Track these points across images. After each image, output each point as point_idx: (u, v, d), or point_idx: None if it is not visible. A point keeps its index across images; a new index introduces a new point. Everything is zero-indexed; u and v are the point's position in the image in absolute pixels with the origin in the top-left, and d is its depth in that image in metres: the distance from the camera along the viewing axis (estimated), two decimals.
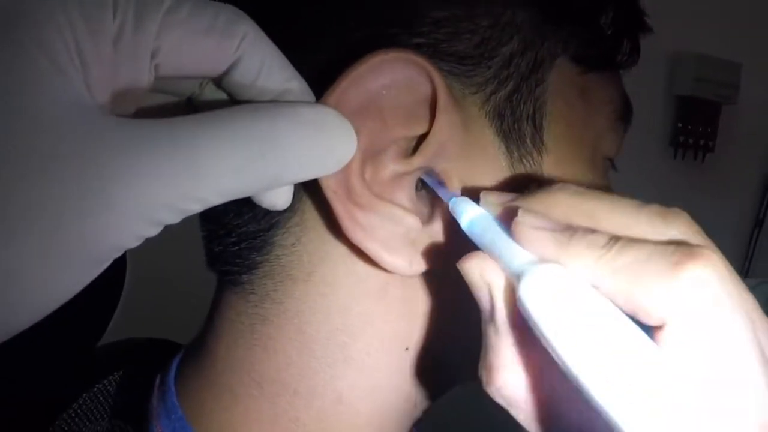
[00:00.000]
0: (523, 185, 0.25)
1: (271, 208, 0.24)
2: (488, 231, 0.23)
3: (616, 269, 0.19)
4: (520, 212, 0.22)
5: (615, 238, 0.20)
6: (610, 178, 0.32)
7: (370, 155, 0.25)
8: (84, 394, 0.34)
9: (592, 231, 0.20)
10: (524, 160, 0.27)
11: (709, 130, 1.27)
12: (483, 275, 0.22)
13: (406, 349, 0.28)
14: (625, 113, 0.31)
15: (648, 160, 1.24)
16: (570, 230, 0.21)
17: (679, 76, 1.23)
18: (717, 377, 0.18)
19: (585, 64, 0.29)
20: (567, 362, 0.19)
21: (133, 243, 0.19)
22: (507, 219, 0.22)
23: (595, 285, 0.20)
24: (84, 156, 0.17)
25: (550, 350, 0.19)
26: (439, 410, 0.34)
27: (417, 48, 0.26)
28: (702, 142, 1.26)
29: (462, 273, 0.23)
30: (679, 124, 1.25)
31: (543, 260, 0.21)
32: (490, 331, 0.22)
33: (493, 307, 0.22)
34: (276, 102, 0.22)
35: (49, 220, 0.17)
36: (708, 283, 0.19)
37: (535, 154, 0.27)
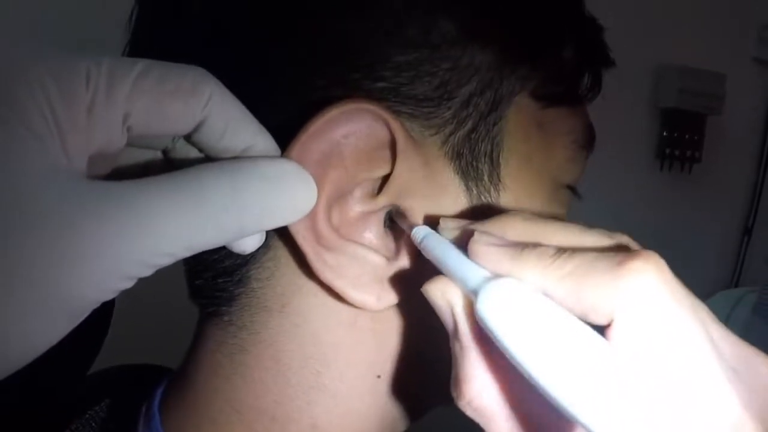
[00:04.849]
0: (482, 217, 0.26)
1: (242, 253, 0.26)
2: (447, 254, 0.24)
3: (563, 275, 0.21)
4: (476, 233, 0.23)
5: (563, 249, 0.21)
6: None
7: (335, 199, 0.27)
8: (76, 421, 0.36)
9: (542, 245, 0.22)
10: (483, 198, 0.28)
11: (696, 138, 1.27)
12: (444, 295, 0.24)
13: (378, 376, 0.29)
14: (587, 141, 0.32)
15: (635, 173, 1.25)
16: (521, 245, 0.22)
17: (663, 88, 1.23)
18: (670, 365, 0.19)
19: (544, 100, 0.29)
20: (526, 367, 0.20)
21: (111, 295, 0.20)
22: (464, 241, 0.24)
23: (547, 292, 0.21)
24: (60, 219, 0.19)
25: (509, 358, 0.20)
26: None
27: (380, 92, 0.26)
28: (689, 153, 1.27)
29: (425, 296, 0.24)
30: (665, 134, 1.25)
31: (497, 275, 0.22)
32: (456, 348, 0.23)
33: (455, 324, 0.23)
34: (239, 159, 0.24)
35: (30, 278, 0.18)
36: (651, 276, 0.20)
37: (492, 191, 0.28)
